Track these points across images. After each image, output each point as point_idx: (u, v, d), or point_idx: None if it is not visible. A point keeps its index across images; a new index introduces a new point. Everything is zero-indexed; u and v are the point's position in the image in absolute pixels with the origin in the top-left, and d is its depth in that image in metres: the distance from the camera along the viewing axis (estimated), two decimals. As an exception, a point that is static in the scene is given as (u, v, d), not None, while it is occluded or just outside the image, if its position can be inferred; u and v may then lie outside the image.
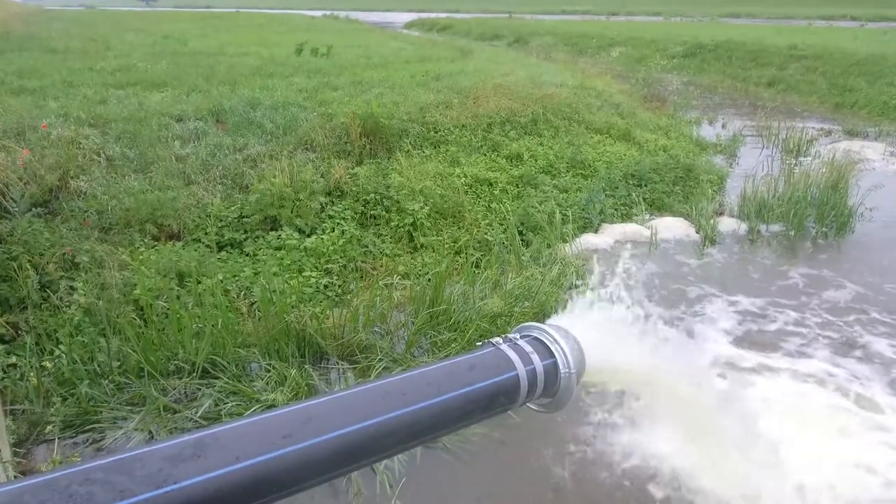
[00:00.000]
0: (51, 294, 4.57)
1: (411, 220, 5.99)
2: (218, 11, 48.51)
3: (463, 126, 8.04)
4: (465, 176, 6.93)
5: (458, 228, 6.15)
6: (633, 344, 2.10)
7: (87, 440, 3.61)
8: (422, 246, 5.89)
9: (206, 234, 5.66)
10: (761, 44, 21.06)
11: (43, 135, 6.02)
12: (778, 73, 18.13)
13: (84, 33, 16.76)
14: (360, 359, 4.29)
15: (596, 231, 6.63)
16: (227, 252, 5.56)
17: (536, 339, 1.74)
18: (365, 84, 9.20)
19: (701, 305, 5.27)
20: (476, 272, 5.32)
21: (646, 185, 7.67)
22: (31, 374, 3.83)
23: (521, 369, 1.60)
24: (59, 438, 3.59)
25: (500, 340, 1.71)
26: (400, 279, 5.39)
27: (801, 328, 4.97)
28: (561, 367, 1.68)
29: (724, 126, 12.42)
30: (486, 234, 6.07)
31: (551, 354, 1.69)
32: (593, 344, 1.88)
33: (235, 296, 4.90)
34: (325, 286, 5.20)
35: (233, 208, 5.90)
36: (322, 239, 5.70)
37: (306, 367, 4.12)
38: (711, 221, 6.75)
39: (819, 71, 17.50)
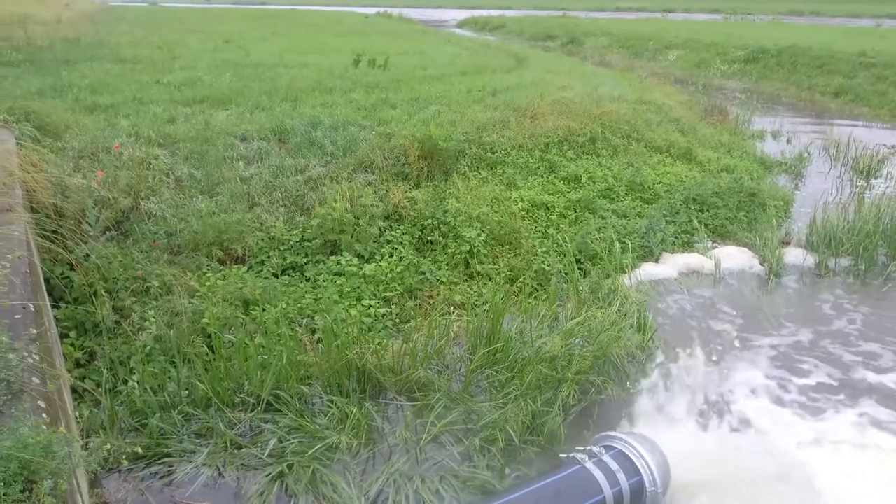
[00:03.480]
0: (123, 319, 4.77)
1: (468, 248, 6.00)
2: (273, 9, 49.38)
3: (520, 146, 8.00)
4: (522, 200, 6.89)
5: (515, 256, 6.13)
6: (712, 443, 2.06)
7: (157, 473, 3.74)
8: (478, 274, 5.89)
9: (268, 257, 5.80)
10: (828, 49, 20.20)
11: (115, 155, 6.27)
12: (846, 82, 17.37)
13: (149, 37, 17.30)
14: (418, 396, 4.32)
15: (656, 260, 6.50)
16: (288, 276, 5.68)
17: (621, 452, 1.72)
18: (422, 101, 9.24)
19: (779, 365, 4.99)
20: (533, 303, 5.30)
21: (708, 211, 7.47)
22: (106, 402, 4.01)
23: (607, 491, 1.60)
24: (130, 470, 3.74)
25: (585, 456, 1.69)
26: (455, 309, 5.41)
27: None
28: (647, 484, 1.66)
29: (788, 141, 11.99)
30: (543, 262, 6.02)
31: (637, 471, 1.67)
32: (675, 448, 1.85)
33: (297, 324, 5.01)
34: (383, 315, 5.27)
35: (294, 232, 6.03)
36: (380, 265, 5.77)
37: (367, 404, 4.18)
38: (777, 253, 6.53)
39: (890, 80, 16.69)
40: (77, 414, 3.96)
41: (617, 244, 6.26)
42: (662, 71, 21.68)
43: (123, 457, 3.73)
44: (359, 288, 5.51)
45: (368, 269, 5.71)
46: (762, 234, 7.00)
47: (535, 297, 5.47)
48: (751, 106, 13.75)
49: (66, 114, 6.98)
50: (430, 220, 6.35)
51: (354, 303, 5.33)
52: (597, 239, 6.40)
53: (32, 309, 2.80)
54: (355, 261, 5.81)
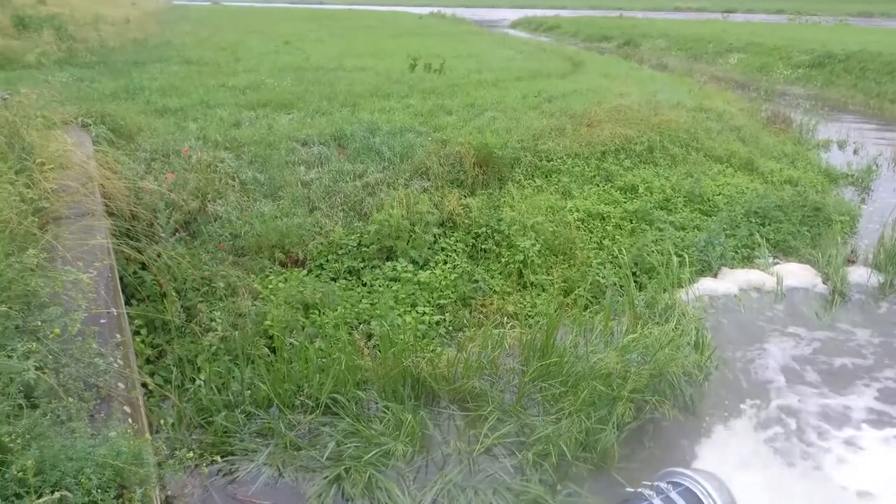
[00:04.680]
0: (190, 319, 4.98)
1: (522, 258, 6.01)
2: (330, 9, 50.25)
3: (576, 155, 7.96)
4: (578, 210, 6.86)
5: (569, 267, 6.11)
6: (777, 475, 2.03)
7: (220, 470, 3.90)
8: (531, 284, 5.90)
9: (327, 261, 5.95)
10: (901, 54, 19.30)
11: (184, 159, 6.53)
12: (920, 90, 16.57)
13: (212, 38, 17.86)
14: (471, 406, 4.38)
15: (715, 275, 6.38)
16: (346, 280, 5.82)
17: (689, 490, 1.73)
18: (478, 107, 9.28)
19: (846, 390, 4.80)
20: (587, 317, 5.29)
21: (770, 225, 7.27)
22: (175, 399, 4.21)
23: (676, 531, 1.61)
24: (195, 466, 3.90)
25: (653, 493, 1.71)
26: (508, 319, 5.44)
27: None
28: (715, 524, 1.66)
29: (856, 152, 11.53)
30: (597, 275, 5.99)
31: (705, 511, 1.67)
32: (737, 482, 1.85)
33: (354, 329, 5.13)
34: (437, 323, 5.34)
35: (352, 237, 6.16)
36: (435, 273, 5.85)
37: (421, 412, 4.25)
38: (842, 271, 6.31)
39: (970, 88, 15.84)
40: (147, 410, 4.17)
41: (674, 257, 6.17)
42: (722, 75, 21.13)
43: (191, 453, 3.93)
44: (413, 294, 5.60)
45: (423, 275, 5.79)
46: (826, 251, 6.77)
47: (590, 310, 5.44)
48: (816, 114, 13.27)
49: (138, 116, 7.30)
50: (484, 229, 6.39)
51: (409, 309, 5.42)
52: (653, 252, 6.32)
53: (115, 313, 2.96)
54: (410, 267, 5.91)
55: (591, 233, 6.67)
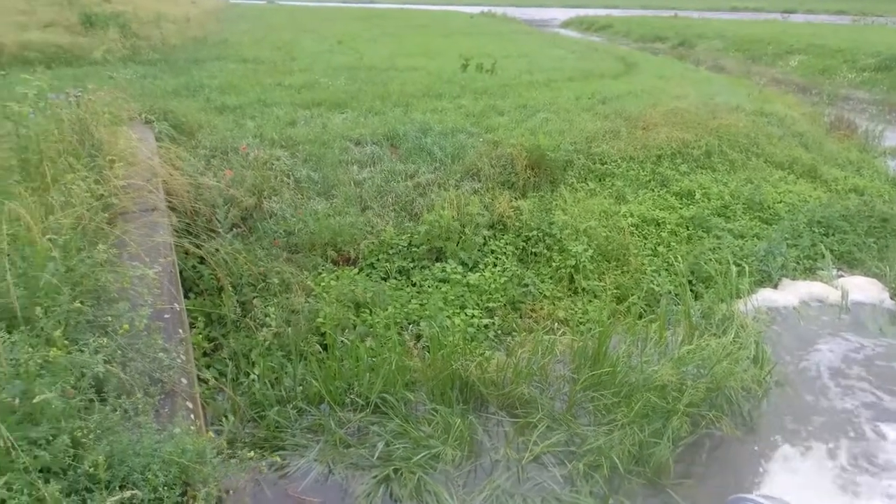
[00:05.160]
0: (245, 313, 5.08)
1: (573, 263, 5.92)
2: (381, 8, 50.62)
3: (630, 158, 7.80)
4: (632, 215, 6.72)
5: (622, 274, 5.98)
6: None
7: (272, 465, 3.95)
8: (583, 290, 5.80)
9: (378, 260, 5.99)
10: (978, 57, 18.28)
11: (242, 156, 6.66)
12: None
13: (268, 37, 18.21)
14: (521, 413, 4.32)
15: (775, 287, 6.15)
16: (395, 280, 5.84)
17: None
18: (530, 108, 9.20)
19: None
20: (640, 325, 5.17)
21: (834, 235, 6.98)
22: (230, 392, 4.29)
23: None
24: (247, 460, 3.97)
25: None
26: (559, 325, 5.36)
27: None
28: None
29: (927, 160, 10.96)
30: (652, 282, 5.85)
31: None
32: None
33: (403, 329, 5.14)
34: (486, 326, 5.31)
35: (403, 237, 6.18)
36: (484, 275, 5.82)
37: (470, 417, 4.23)
38: (912, 287, 6.01)
39: None
40: (203, 402, 4.26)
41: (733, 267, 5.98)
42: (782, 77, 20.41)
43: (245, 446, 4.00)
44: (462, 296, 5.58)
45: (472, 277, 5.76)
46: (895, 264, 6.45)
47: (644, 318, 5.32)
48: (882, 119, 12.68)
49: (198, 114, 7.49)
50: (535, 232, 6.32)
51: (458, 311, 5.40)
52: (711, 260, 6.15)
53: (178, 308, 3.03)
54: (460, 269, 5.89)
55: (646, 239, 6.52)
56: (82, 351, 1.92)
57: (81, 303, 2.16)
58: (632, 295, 5.68)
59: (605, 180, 7.42)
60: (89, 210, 2.83)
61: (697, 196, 7.31)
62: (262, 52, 13.65)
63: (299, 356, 4.66)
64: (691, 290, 5.80)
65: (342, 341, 4.77)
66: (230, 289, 5.11)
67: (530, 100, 9.77)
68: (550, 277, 5.91)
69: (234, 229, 5.81)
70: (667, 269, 6.11)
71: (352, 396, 4.39)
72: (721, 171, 8.00)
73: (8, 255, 2.08)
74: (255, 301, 5.14)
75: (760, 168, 8.32)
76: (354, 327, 5.05)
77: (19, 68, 9.46)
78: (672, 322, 5.37)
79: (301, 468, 3.92)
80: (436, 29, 27.26)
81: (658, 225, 6.75)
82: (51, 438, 1.59)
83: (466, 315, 5.35)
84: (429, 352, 4.66)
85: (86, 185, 2.84)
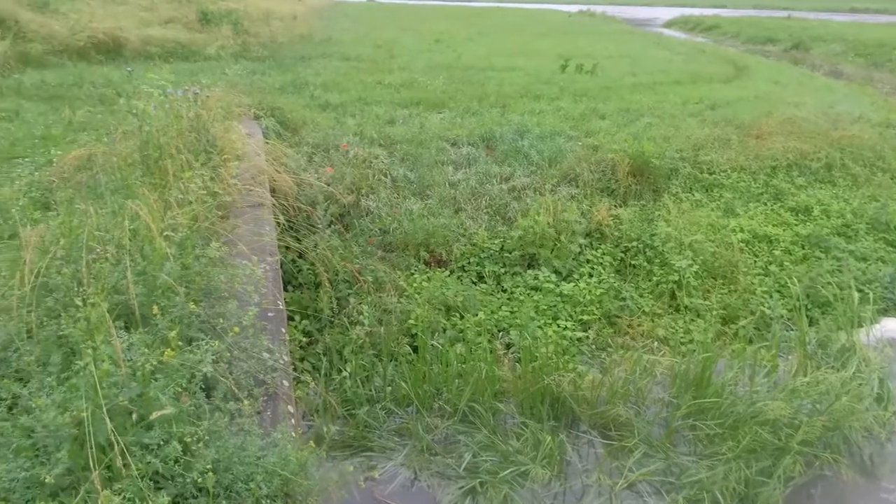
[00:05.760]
0: (340, 310, 5.15)
1: (676, 278, 5.61)
2: (478, 7, 50.61)
3: (741, 169, 7.33)
4: (742, 230, 6.30)
5: (729, 293, 5.61)
6: None
7: (360, 465, 3.96)
8: (686, 308, 5.49)
9: (469, 263, 5.92)
10: None
11: (343, 153, 6.78)
12: None
13: (369, 35, 18.57)
14: (615, 435, 4.12)
15: (903, 317, 5.58)
16: (486, 284, 5.75)
17: None
18: (633, 112, 8.84)
19: None
20: (750, 351, 4.81)
21: (975, 263, 6.25)
22: (322, 389, 4.35)
23: None
24: (334, 458, 4.00)
25: None
26: (658, 344, 5.09)
27: None
28: None
29: None
30: (762, 304, 5.45)
31: None
32: None
33: (493, 336, 5.05)
34: (579, 339, 5.12)
35: (495, 241, 6.08)
36: (579, 285, 5.62)
37: (561, 435, 4.07)
38: None
39: None
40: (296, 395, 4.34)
41: (854, 292, 5.46)
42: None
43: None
44: (555, 306, 5.41)
45: (566, 287, 5.58)
46: None
47: (752, 343, 4.95)
48: None
49: (303, 110, 7.70)
50: (635, 243, 6.05)
51: (550, 322, 5.24)
52: (829, 283, 5.64)
53: (281, 307, 3.07)
54: (553, 277, 5.72)
55: (756, 256, 6.09)
56: (194, 352, 1.94)
57: (195, 302, 2.20)
58: (739, 317, 5.32)
59: (712, 191, 7.00)
60: (204, 207, 2.93)
61: (815, 212, 6.75)
62: (363, 50, 13.92)
63: (390, 356, 4.67)
64: (806, 316, 5.35)
65: (432, 345, 4.73)
66: (327, 285, 5.19)
67: (633, 103, 9.39)
68: (650, 292, 5.63)
69: (332, 226, 5.91)
70: (779, 291, 5.68)
71: (440, 402, 4.34)
72: (842, 187, 7.37)
73: (129, 252, 2.15)
74: (350, 298, 5.20)
75: (887, 185, 7.60)
76: (444, 331, 5.01)
77: (141, 62, 10.11)
78: (784, 349, 4.97)
79: (388, 471, 3.91)
80: (533, 28, 26.91)
81: (770, 242, 6.29)
82: (162, 443, 1.61)
83: (559, 326, 5.18)
84: (519, 363, 4.53)
85: (202, 182, 2.94)
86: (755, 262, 6.00)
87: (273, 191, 5.46)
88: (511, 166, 7.06)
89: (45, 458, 1.53)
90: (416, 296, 5.29)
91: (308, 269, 5.34)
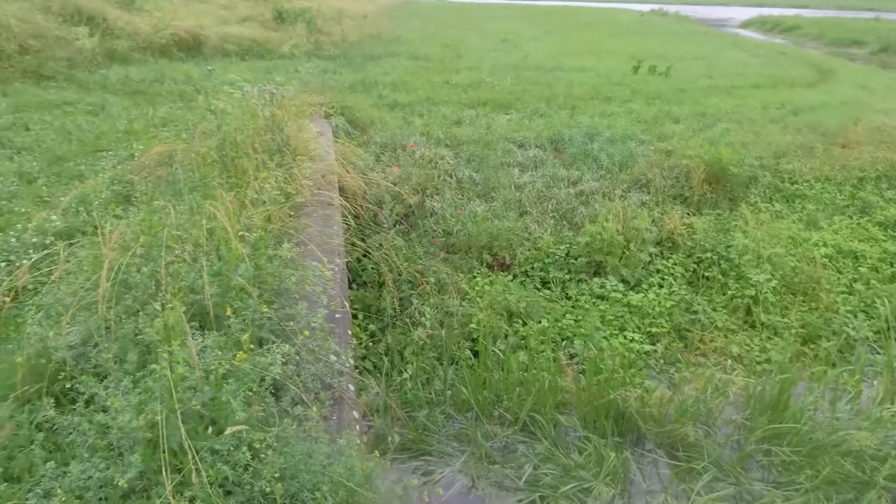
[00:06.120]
0: (402, 310, 5.15)
1: (752, 293, 5.34)
2: (545, 5, 50.03)
3: (826, 179, 6.93)
4: (825, 244, 5.94)
5: (810, 311, 5.30)
6: None
7: (417, 469, 3.93)
8: (762, 325, 5.21)
9: (532, 268, 5.82)
10: None
11: (409, 153, 6.79)
12: None
13: (437, 34, 18.62)
14: (682, 455, 3.94)
15: None
16: (549, 290, 5.63)
17: None
18: (709, 116, 8.50)
19: None
20: (830, 372, 4.52)
21: None
22: (383, 388, 4.34)
23: None
24: (392, 460, 3.98)
25: None
26: (732, 361, 4.86)
27: None
28: None
29: None
30: (845, 324, 5.12)
31: None
32: None
33: (556, 345, 4.94)
34: (647, 353, 4.94)
35: (561, 247, 5.95)
36: (647, 296, 5.43)
37: (625, 452, 3.93)
38: None
39: None
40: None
41: (951, 316, 5.07)
42: None
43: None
44: (622, 317, 5.25)
45: (634, 297, 5.41)
46: None
47: (834, 366, 4.65)
48: None
49: (371, 110, 7.75)
50: (709, 254, 5.80)
51: (616, 333, 5.08)
52: (922, 304, 5.26)
53: (347, 308, 3.06)
54: (620, 287, 5.55)
55: (840, 273, 5.73)
56: (265, 355, 1.94)
57: (267, 304, 2.22)
58: (820, 337, 5.01)
59: (794, 202, 6.64)
60: (278, 207, 2.96)
61: (908, 228, 6.31)
62: (431, 50, 13.95)
63: (450, 360, 4.62)
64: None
65: (493, 350, 4.66)
66: (391, 285, 5.20)
67: (709, 107, 9.03)
68: (724, 307, 5.38)
69: (397, 226, 5.93)
70: (865, 311, 5.32)
71: (500, 410, 4.27)
72: (940, 201, 6.85)
73: (205, 252, 2.18)
74: (412, 299, 5.19)
75: None
76: (506, 337, 4.93)
77: (219, 59, 10.44)
78: (869, 375, 4.65)
79: (445, 476, 3.86)
80: (603, 27, 26.38)
81: (856, 258, 5.91)
82: (232, 449, 1.61)
83: (625, 338, 5.02)
84: (584, 374, 4.40)
85: (276, 182, 2.97)
86: (839, 279, 5.65)
87: (341, 190, 5.52)
88: (579, 170, 6.90)
89: (119, 459, 1.56)
90: (478, 299, 5.23)
91: (372, 268, 5.36)
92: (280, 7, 13.90)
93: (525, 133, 7.55)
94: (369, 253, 5.43)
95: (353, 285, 5.30)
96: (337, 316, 2.95)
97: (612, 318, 5.22)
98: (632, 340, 4.99)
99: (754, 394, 4.23)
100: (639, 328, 5.17)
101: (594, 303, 5.42)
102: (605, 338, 4.97)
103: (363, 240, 5.48)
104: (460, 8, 40.24)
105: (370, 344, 4.93)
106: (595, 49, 15.99)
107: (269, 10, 13.91)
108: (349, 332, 2.92)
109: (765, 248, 5.70)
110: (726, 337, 5.09)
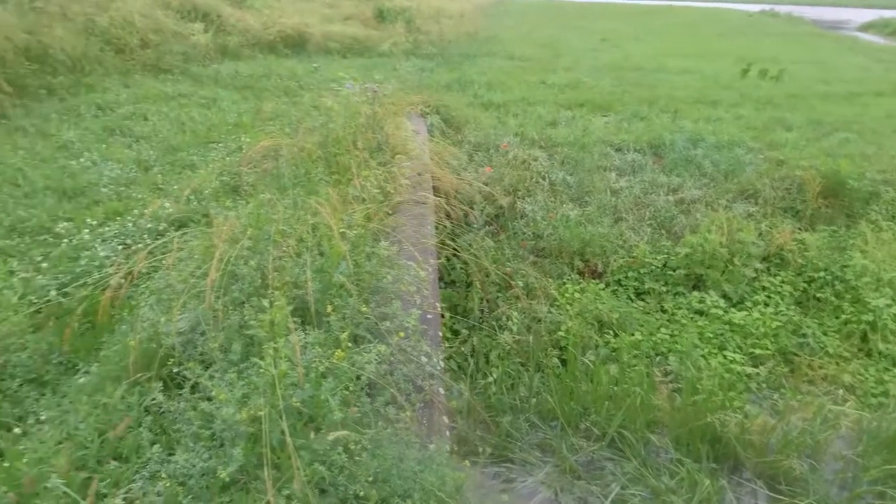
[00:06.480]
0: (489, 312, 5.10)
1: (870, 318, 4.89)
2: (648, 4, 48.41)
3: (961, 197, 6.26)
4: (958, 269, 5.36)
5: (937, 342, 4.80)
6: None
7: (498, 475, 3.86)
8: (879, 354, 4.78)
9: (626, 277, 5.61)
10: None
11: (502, 154, 6.72)
12: None
13: (533, 33, 18.43)
14: (785, 489, 3.66)
15: None
16: (644, 302, 5.41)
17: None
18: (825, 125, 7.89)
19: None
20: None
21: None
22: (467, 389, 4.31)
23: None
24: (473, 463, 3.93)
25: None
26: (844, 393, 4.48)
27: None
28: None
29: None
30: (980, 360, 4.60)
31: None
32: None
33: (650, 359, 4.73)
34: (748, 376, 4.63)
35: (658, 257, 5.70)
36: (751, 315, 5.10)
37: (722, 480, 3.69)
38: None
39: None
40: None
41: None
42: None
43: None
44: (722, 335, 4.96)
45: (736, 315, 5.09)
46: None
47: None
48: None
49: (466, 109, 7.74)
50: (822, 273, 5.38)
51: (715, 351, 4.81)
52: None
53: (439, 309, 3.04)
54: (721, 302, 5.25)
55: (976, 302, 5.16)
56: (361, 354, 1.94)
57: (365, 302, 2.22)
58: (950, 372, 4.53)
59: (922, 221, 6.06)
60: (377, 206, 2.98)
61: None
62: (527, 49, 13.80)
63: (536, 367, 4.52)
64: None
65: (583, 361, 4.52)
66: (478, 285, 5.16)
67: (826, 115, 8.39)
68: (837, 331, 4.97)
69: (487, 226, 5.88)
70: None
71: (587, 423, 4.13)
72: None
73: (309, 248, 2.22)
74: (499, 302, 5.13)
75: None
76: (596, 348, 4.77)
77: (321, 56, 10.77)
78: None
79: (527, 487, 3.77)
80: (708, 28, 25.24)
81: None
82: (328, 449, 1.61)
83: (725, 358, 4.73)
84: (679, 393, 4.19)
85: (377, 181, 2.99)
86: (975, 308, 5.09)
87: (434, 188, 5.53)
88: (681, 177, 6.60)
89: (221, 450, 1.59)
90: (568, 307, 5.09)
91: (460, 267, 5.34)
92: (381, 6, 14.18)
93: (624, 136, 7.30)
94: (458, 252, 5.41)
95: (441, 284, 5.29)
96: (428, 316, 2.93)
97: (711, 335, 4.94)
98: (732, 361, 4.70)
99: (868, 429, 3.89)
100: (740, 348, 4.86)
101: (692, 318, 5.15)
102: (702, 356, 4.71)
103: (453, 239, 5.46)
104: (558, 6, 39.68)
105: (456, 344, 4.91)
106: (700, 50, 15.28)
107: (371, 8, 14.22)
108: (440, 334, 2.90)
109: (886, 270, 5.22)
110: (838, 365, 4.69)
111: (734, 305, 5.27)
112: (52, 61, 7.75)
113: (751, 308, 5.20)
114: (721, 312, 5.12)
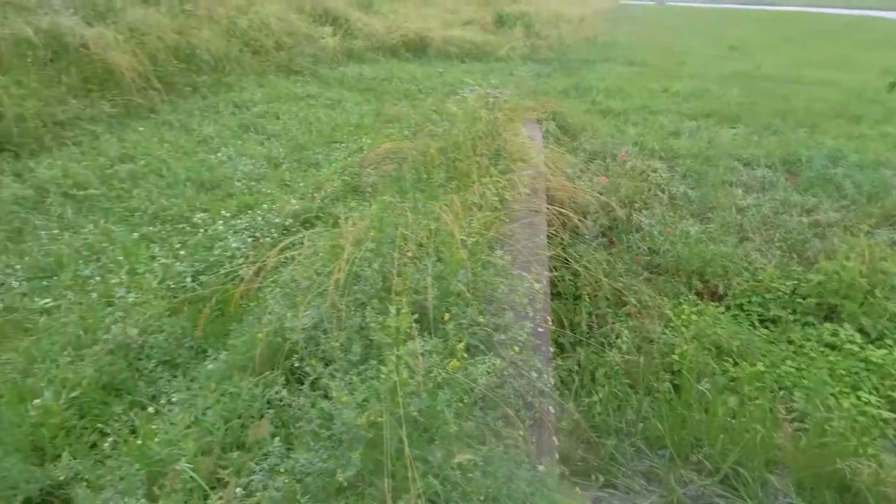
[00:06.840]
0: (598, 328, 4.93)
1: None
2: (783, 11, 45.34)
3: None
4: None
5: None
6: None
7: (599, 499, 3.72)
8: None
9: (749, 302, 5.24)
10: None
11: (619, 163, 6.50)
12: None
13: (656, 40, 17.76)
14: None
15: None
16: (768, 330, 5.03)
17: None
18: None
19: None
20: None
21: None
22: (572, 407, 4.19)
23: None
24: (573, 483, 3.80)
25: None
26: None
27: None
28: None
29: None
30: None
31: None
32: None
33: (772, 392, 4.39)
34: (885, 421, 4.18)
35: (787, 282, 5.28)
36: (892, 353, 4.60)
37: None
38: None
39: None
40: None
41: None
42: None
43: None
44: (857, 373, 4.50)
45: (875, 353, 4.61)
46: None
47: None
48: None
49: (583, 116, 7.57)
50: (983, 314, 4.76)
51: (848, 391, 4.37)
52: None
53: (550, 322, 2.96)
54: (858, 337, 4.77)
55: None
56: (476, 366, 1.91)
57: (480, 312, 2.20)
58: None
59: None
60: (495, 214, 2.96)
61: None
62: (649, 55, 13.32)
63: (646, 390, 4.32)
64: None
65: (698, 388, 4.26)
66: (587, 299, 5.01)
67: None
68: None
69: (599, 238, 5.70)
70: None
71: (699, 455, 3.89)
72: None
73: (429, 254, 2.23)
74: (608, 318, 4.96)
75: None
76: (713, 375, 4.48)
77: (441, 61, 10.95)
78: None
79: (629, 516, 3.61)
80: (852, 37, 23.24)
81: None
82: (442, 463, 1.59)
83: (858, 399, 4.30)
84: (804, 433, 3.85)
85: (496, 188, 2.97)
86: None
87: (547, 197, 5.44)
88: (817, 197, 6.09)
89: (339, 452, 1.62)
90: (683, 329, 4.83)
91: (569, 279, 5.21)
92: (501, 11, 14.20)
93: (753, 150, 6.85)
94: (568, 263, 5.28)
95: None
96: (539, 330, 2.87)
97: (843, 372, 4.51)
98: (867, 403, 4.26)
99: None
100: (877, 389, 4.40)
101: (822, 352, 4.73)
102: (832, 395, 4.30)
103: (563, 249, 5.35)
104: (681, 12, 38.08)
105: (561, 358, 4.79)
106: (841, 61, 14.09)
107: (491, 13, 14.28)
108: (551, 350, 2.82)
109: None
110: None
111: (872, 342, 4.78)
112: (197, 61, 8.39)
113: (892, 346, 4.70)
114: (857, 348, 4.66)
